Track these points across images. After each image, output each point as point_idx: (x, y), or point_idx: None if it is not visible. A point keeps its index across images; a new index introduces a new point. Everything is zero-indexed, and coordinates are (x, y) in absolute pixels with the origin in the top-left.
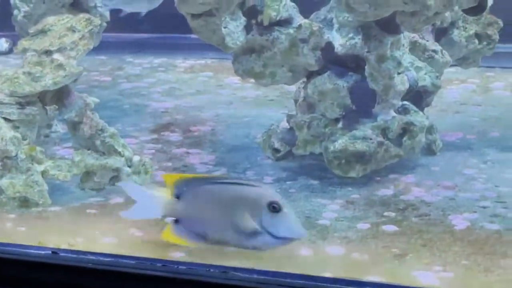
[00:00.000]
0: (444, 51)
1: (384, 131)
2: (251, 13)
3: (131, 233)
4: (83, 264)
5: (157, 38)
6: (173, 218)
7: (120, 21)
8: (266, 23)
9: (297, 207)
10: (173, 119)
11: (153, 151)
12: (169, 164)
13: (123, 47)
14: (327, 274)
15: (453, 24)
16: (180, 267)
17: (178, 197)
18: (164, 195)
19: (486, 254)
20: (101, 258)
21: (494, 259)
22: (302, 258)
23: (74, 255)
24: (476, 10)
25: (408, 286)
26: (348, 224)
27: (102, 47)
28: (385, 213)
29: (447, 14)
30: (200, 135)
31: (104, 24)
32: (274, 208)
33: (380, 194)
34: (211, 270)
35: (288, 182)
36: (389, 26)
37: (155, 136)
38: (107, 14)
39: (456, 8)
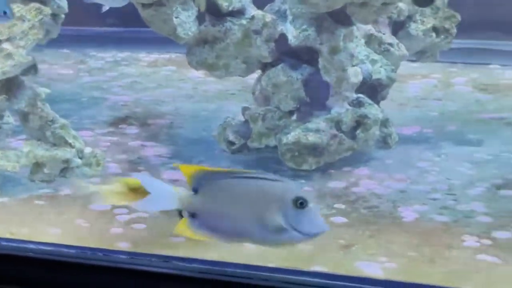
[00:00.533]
0: (400, 44)
1: (338, 124)
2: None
3: (78, 224)
4: (24, 253)
5: (122, 32)
6: (189, 212)
7: (85, 15)
8: (202, 9)
9: None
10: (131, 112)
11: (108, 143)
12: (124, 156)
13: (87, 40)
14: (270, 264)
15: (410, 17)
16: (121, 256)
17: (195, 190)
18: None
19: (432, 246)
20: (42, 247)
21: (439, 250)
22: (248, 248)
23: (15, 244)
24: (426, 1)
25: (345, 274)
26: None
27: (66, 41)
28: (336, 205)
29: (404, 7)
30: (157, 128)
31: (62, 15)
32: (301, 204)
33: (332, 187)
34: (153, 259)
35: None
36: (342, 17)
37: (111, 129)
38: (65, 5)
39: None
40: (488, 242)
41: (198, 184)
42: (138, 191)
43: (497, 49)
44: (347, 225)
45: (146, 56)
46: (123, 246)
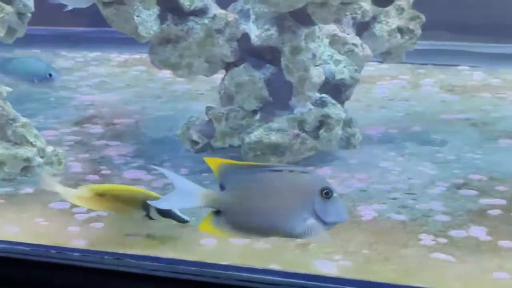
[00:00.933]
0: (364, 45)
1: (301, 124)
2: (166, 2)
3: (36, 222)
4: None
5: (95, 32)
6: (214, 209)
7: (56, 15)
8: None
9: None
10: (97, 112)
11: (72, 142)
12: (86, 155)
13: (60, 40)
14: (225, 262)
15: (375, 18)
16: (74, 254)
17: (222, 186)
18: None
19: (387, 244)
20: None
21: (395, 249)
22: (205, 246)
23: None
24: (385, 1)
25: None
26: None
27: (38, 41)
28: None
29: (368, 8)
30: (122, 128)
31: (29, 14)
32: (327, 194)
33: None
34: (105, 257)
35: (203, 174)
36: (303, 17)
37: (76, 128)
38: (31, 4)
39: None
40: (444, 240)
41: (225, 180)
42: (104, 197)
43: (467, 50)
44: None
45: (117, 57)
46: (80, 244)
